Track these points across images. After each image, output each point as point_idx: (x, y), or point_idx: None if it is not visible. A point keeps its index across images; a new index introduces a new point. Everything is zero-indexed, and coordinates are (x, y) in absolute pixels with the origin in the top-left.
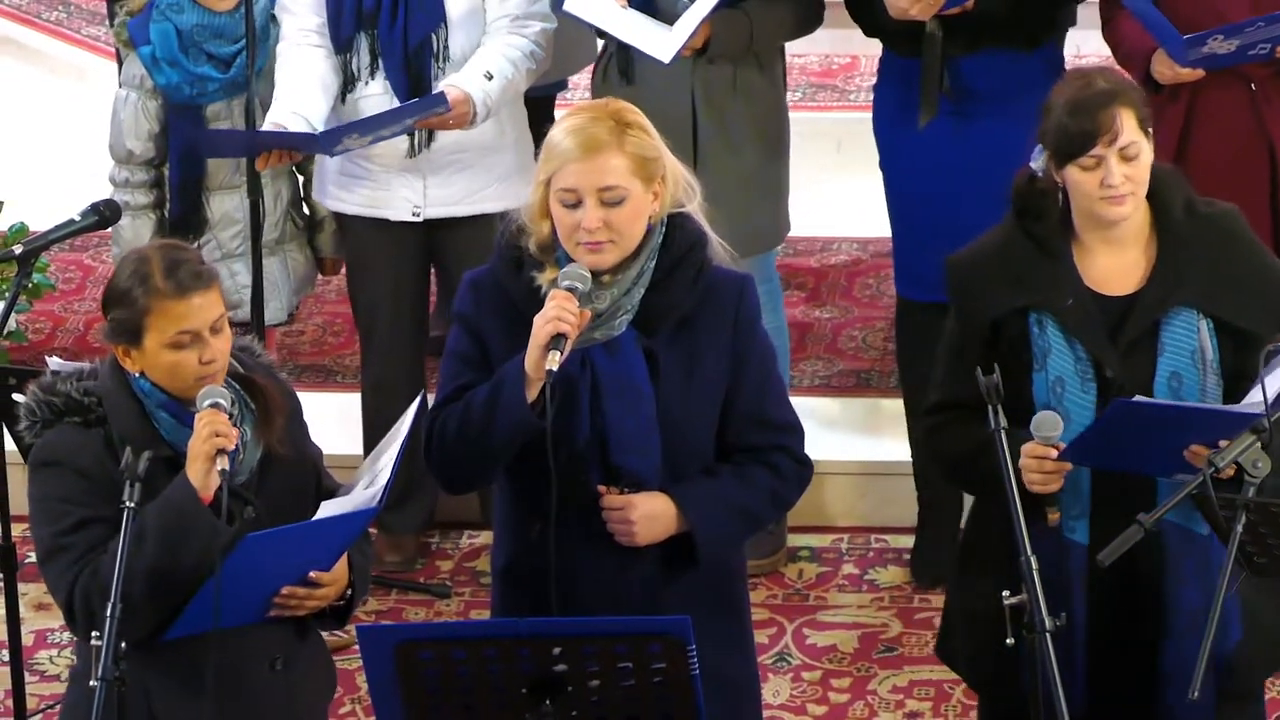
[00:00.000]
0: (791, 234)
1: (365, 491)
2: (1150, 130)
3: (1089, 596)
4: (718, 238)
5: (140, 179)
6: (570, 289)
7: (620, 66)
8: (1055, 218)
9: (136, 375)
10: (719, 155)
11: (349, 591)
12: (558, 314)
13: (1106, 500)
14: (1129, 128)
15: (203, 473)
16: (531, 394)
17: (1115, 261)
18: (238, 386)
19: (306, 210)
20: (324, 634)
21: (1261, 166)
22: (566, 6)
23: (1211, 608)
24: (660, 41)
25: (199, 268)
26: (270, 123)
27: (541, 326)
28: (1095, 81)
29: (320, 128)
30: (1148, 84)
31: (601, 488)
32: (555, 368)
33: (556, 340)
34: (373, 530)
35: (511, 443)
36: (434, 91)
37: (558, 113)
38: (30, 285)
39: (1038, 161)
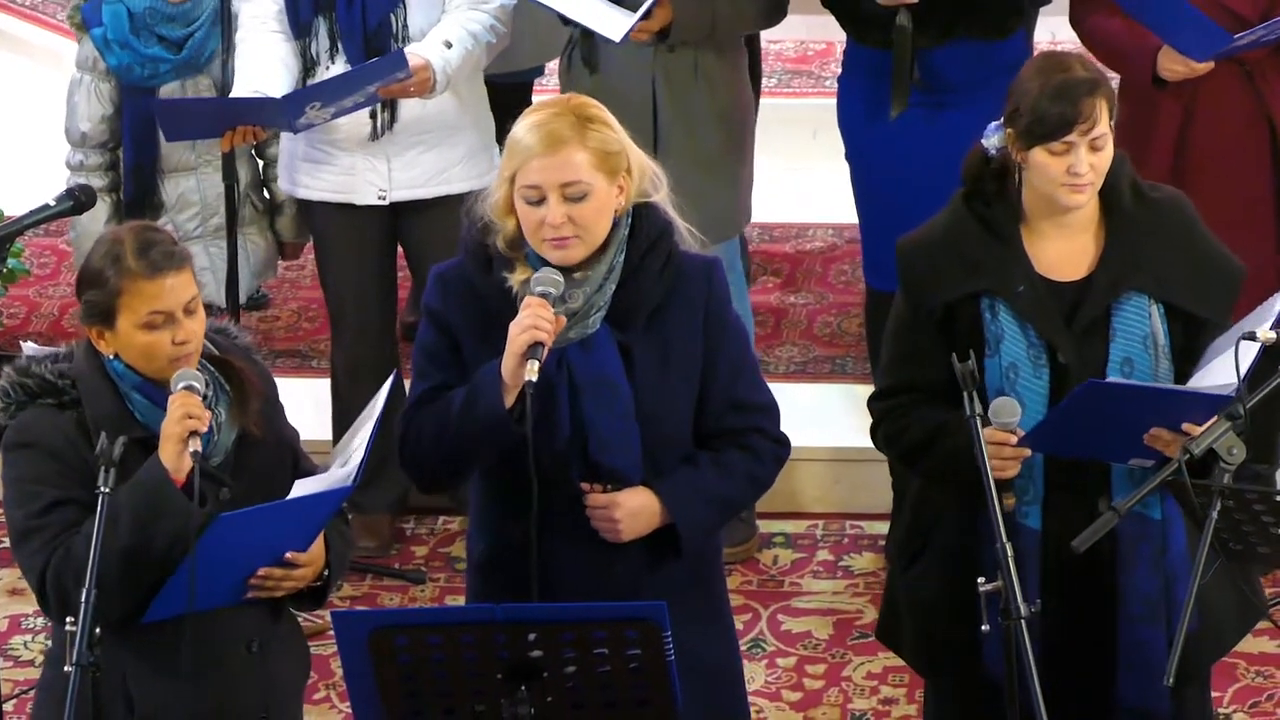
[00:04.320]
0: (766, 220)
1: (339, 471)
2: (1113, 123)
3: (1042, 581)
4: (685, 224)
5: (95, 162)
6: (544, 295)
7: (584, 54)
8: (1008, 200)
9: (110, 357)
10: (679, 142)
11: (326, 572)
12: (534, 322)
13: (1059, 486)
14: (1103, 119)
15: (175, 454)
16: (508, 400)
17: (1065, 247)
18: (213, 369)
19: (267, 194)
20: (299, 618)
21: (1263, 144)
22: None
23: (1180, 597)
24: (612, 22)
25: (172, 248)
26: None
27: (517, 335)
28: (1075, 67)
29: None
30: (1153, 81)
31: (584, 485)
32: (534, 377)
33: (534, 349)
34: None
35: (488, 449)
36: None
37: (535, 98)
38: (4, 270)
39: (992, 140)
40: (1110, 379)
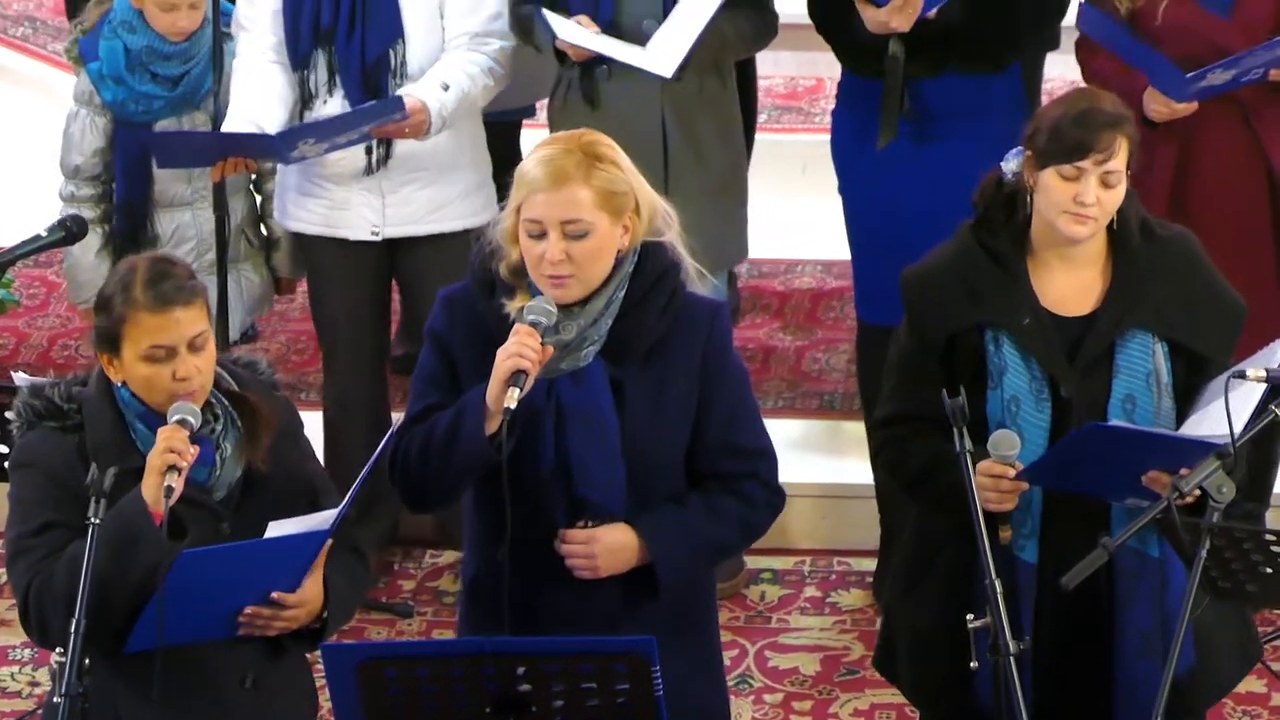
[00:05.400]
0: (756, 256)
1: (320, 515)
2: (1130, 170)
3: (1037, 616)
4: (695, 265)
5: (87, 194)
6: (534, 324)
7: (585, 92)
8: (1015, 227)
9: (120, 385)
10: (690, 172)
11: (325, 614)
12: (519, 350)
13: (1057, 520)
14: (1120, 156)
15: (155, 487)
16: (491, 426)
17: (1071, 281)
18: (226, 403)
19: (264, 230)
20: None
21: (1260, 186)
22: (559, 36)
23: (1175, 633)
24: (654, 59)
25: (184, 282)
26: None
27: (502, 362)
28: (1105, 102)
29: None
30: (1144, 122)
31: (563, 533)
32: (513, 405)
33: (516, 377)
34: None
35: (469, 472)
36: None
37: (524, 133)
38: None
39: (1010, 164)
40: (1112, 422)
